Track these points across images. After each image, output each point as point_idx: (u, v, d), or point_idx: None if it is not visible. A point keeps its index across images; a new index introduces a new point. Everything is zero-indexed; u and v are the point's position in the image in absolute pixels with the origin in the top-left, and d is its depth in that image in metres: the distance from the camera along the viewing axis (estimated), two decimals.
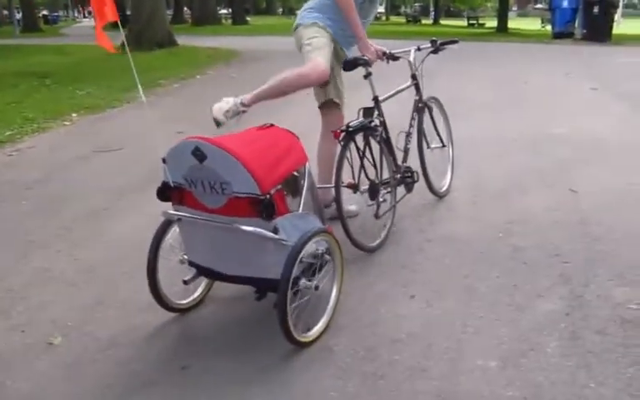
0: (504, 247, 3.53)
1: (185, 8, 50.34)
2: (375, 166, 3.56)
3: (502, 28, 29.64)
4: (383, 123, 3.67)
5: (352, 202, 3.86)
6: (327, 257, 2.70)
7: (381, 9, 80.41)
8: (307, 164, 2.78)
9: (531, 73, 11.06)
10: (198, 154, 2.43)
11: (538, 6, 71.94)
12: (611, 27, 20.73)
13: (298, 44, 3.76)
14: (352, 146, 3.40)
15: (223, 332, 2.72)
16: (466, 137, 6.18)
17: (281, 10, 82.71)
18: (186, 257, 2.77)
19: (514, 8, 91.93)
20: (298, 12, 3.87)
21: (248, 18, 46.32)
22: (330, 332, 2.66)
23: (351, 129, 3.34)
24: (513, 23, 32.34)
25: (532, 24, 41.69)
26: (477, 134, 6.31)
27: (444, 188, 4.43)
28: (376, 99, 3.66)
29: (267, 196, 2.40)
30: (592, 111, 7.68)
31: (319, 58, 3.57)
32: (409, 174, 3.90)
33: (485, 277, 3.15)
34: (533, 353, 2.45)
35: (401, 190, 3.86)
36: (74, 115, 7.88)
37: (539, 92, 9.12)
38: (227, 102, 3.75)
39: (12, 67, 13.65)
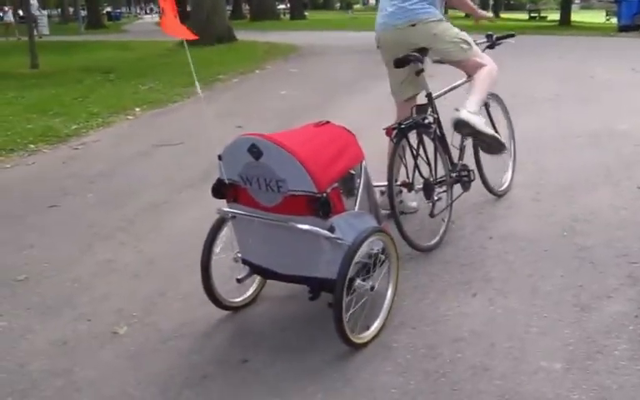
0: (569, 245, 3.43)
1: (244, 3, 50.90)
2: (429, 164, 3.49)
3: (565, 21, 28.86)
4: (437, 120, 3.60)
5: (412, 199, 3.81)
6: (382, 256, 2.64)
7: None
8: (363, 162, 2.74)
9: (596, 67, 10.71)
10: (254, 151, 2.42)
11: None
12: None
13: (428, 40, 3.57)
14: (406, 144, 3.35)
15: (280, 329, 2.74)
16: (529, 132, 6.04)
17: (338, 5, 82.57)
18: (239, 255, 2.75)
19: (577, 1, 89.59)
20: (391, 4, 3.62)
21: (306, 13, 46.47)
22: (389, 329, 2.63)
23: (403, 126, 3.29)
24: (577, 16, 31.47)
25: (597, 17, 40.40)
26: (541, 129, 6.15)
27: (504, 186, 4.31)
28: (429, 96, 3.61)
29: (324, 194, 2.37)
30: None
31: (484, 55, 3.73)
32: (466, 172, 3.78)
33: (549, 275, 3.07)
34: (600, 356, 2.37)
35: (457, 188, 3.76)
36: (137, 109, 8.05)
37: (605, 86, 8.81)
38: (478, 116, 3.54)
39: (77, 63, 14.07)
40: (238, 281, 2.79)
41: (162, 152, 5.93)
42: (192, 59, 2.91)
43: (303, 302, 2.67)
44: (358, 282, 2.50)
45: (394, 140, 3.31)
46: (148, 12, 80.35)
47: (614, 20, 25.55)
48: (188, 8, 23.18)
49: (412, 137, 3.39)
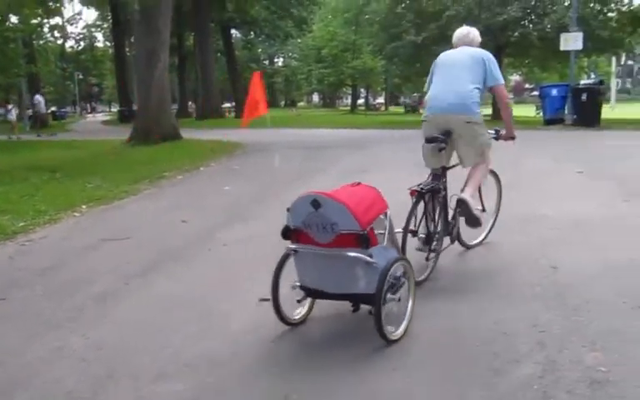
0: (487, 319, 3.80)
1: (190, 102, 51.82)
2: (433, 220, 4.60)
3: (498, 116, 30.29)
4: (445, 187, 4.77)
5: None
6: (403, 278, 3.63)
7: (380, 99, 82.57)
8: (387, 211, 3.75)
9: (523, 158, 11.47)
10: (315, 204, 3.45)
11: (534, 93, 73.65)
12: (599, 113, 21.40)
13: (465, 130, 4.82)
14: (421, 203, 4.48)
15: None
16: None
17: (283, 102, 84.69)
18: (297, 283, 3.75)
19: (511, 96, 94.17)
20: (458, 95, 4.80)
21: None
22: None
23: (423, 190, 4.45)
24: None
25: (528, 111, 42.70)
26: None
27: (476, 241, 5.44)
28: (444, 168, 4.81)
29: (365, 231, 3.39)
30: (576, 193, 8.03)
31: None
32: (455, 229, 5.01)
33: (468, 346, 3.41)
34: None
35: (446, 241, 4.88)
36: (84, 206, 8.23)
37: (530, 175, 9.49)
38: (472, 199, 4.85)
39: (23, 162, 14.16)
40: (298, 302, 3.80)
41: (109, 246, 6.13)
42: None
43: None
44: (389, 295, 3.47)
45: (414, 199, 4.43)
46: (91, 111, 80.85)
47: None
48: (135, 107, 23.59)
49: (427, 197, 4.55)
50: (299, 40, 57.48)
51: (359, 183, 3.79)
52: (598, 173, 9.56)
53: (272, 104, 79.65)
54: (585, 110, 20.67)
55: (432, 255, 4.62)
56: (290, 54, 76.34)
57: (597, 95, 21.26)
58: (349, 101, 71.87)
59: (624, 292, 4.14)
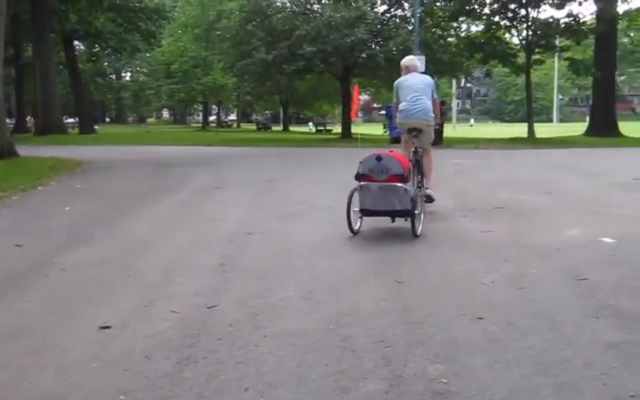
0: (334, 337, 3.81)
1: (29, 117, 48.77)
2: (416, 175, 7.68)
3: (347, 134, 31.35)
4: (420, 158, 7.93)
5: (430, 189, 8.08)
6: (419, 201, 6.69)
7: (232, 116, 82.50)
8: (410, 165, 6.84)
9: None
10: (378, 158, 6.42)
11: (382, 112, 77.07)
12: (441, 132, 22.66)
13: (427, 129, 7.92)
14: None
15: None
16: (305, 237, 6.58)
17: (131, 118, 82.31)
18: (356, 208, 6.48)
19: (360, 115, 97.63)
20: (413, 103, 7.81)
21: (97, 127, 45.58)
22: None
23: (414, 159, 7.61)
24: (360, 129, 34.41)
25: (377, 129, 44.58)
26: (316, 234, 6.72)
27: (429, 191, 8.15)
28: (416, 148, 7.82)
29: (405, 173, 6.40)
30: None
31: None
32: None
33: (315, 366, 3.38)
34: None
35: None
36: None
37: None
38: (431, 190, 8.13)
39: None
40: (360, 218, 6.65)
41: None
42: None
43: None
44: (415, 211, 6.34)
45: (412, 165, 7.27)
46: None
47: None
48: None
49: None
50: (148, 54, 56.02)
51: (392, 151, 6.79)
52: (442, 189, 10.05)
53: (119, 120, 77.57)
54: None
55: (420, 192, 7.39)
56: (138, 68, 74.36)
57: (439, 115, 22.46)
58: (201, 117, 71.19)
59: (464, 304, 4.34)
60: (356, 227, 6.53)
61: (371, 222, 6.84)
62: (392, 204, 6.37)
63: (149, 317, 4.22)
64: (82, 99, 43.39)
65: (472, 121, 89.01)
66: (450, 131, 28.57)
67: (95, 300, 4.61)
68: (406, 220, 6.42)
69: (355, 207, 6.43)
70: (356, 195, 6.48)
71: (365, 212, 6.52)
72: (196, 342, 3.74)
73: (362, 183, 6.41)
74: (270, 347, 3.67)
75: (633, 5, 31.76)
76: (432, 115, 7.83)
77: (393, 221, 6.66)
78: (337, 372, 3.31)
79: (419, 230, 6.40)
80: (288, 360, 3.48)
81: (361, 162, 6.46)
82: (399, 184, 6.31)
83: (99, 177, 13.87)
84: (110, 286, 5.03)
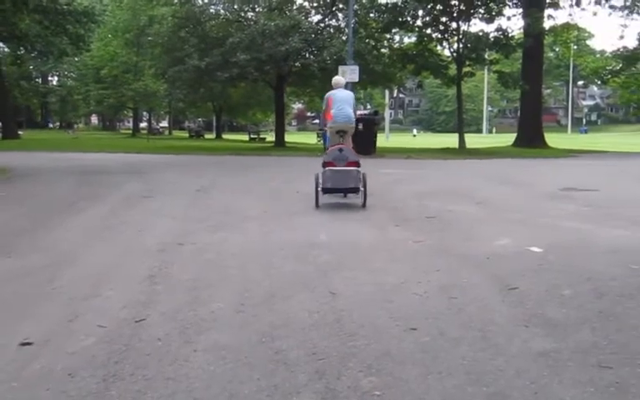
0: (266, 350, 3.72)
1: None
2: None
3: (280, 143, 31.31)
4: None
5: None
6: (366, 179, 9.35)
7: (164, 123, 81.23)
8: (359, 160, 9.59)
9: (300, 185, 11.84)
10: (340, 150, 9.27)
11: (316, 121, 77.47)
12: (374, 142, 22.93)
13: (350, 130, 9.98)
14: None
15: None
16: (237, 247, 6.48)
17: (58, 124, 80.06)
18: (321, 187, 9.11)
19: (294, 123, 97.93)
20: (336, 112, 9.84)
21: (21, 132, 43.98)
22: None
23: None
24: (294, 137, 34.55)
25: (311, 138, 44.74)
26: (248, 245, 6.62)
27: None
28: (341, 146, 9.69)
29: (359, 160, 9.31)
30: (352, 219, 8.44)
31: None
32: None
33: (247, 380, 3.30)
34: None
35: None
36: None
37: (309, 201, 9.74)
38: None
39: None
40: (323, 194, 9.25)
41: None
42: None
43: None
44: (363, 188, 9.19)
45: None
46: None
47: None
48: None
49: None
50: (76, 58, 54.46)
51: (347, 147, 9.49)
52: (371, 199, 10.12)
53: (44, 125, 75.10)
54: (362, 139, 22.00)
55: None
56: (66, 73, 72.26)
57: (372, 125, 22.75)
58: (131, 124, 69.76)
59: (397, 315, 4.34)
60: (320, 202, 9.17)
61: (304, 233, 6.78)
62: (348, 183, 9.07)
63: (73, 332, 4.03)
64: (5, 103, 41.83)
65: (414, 131, 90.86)
66: (383, 141, 28.91)
67: (15, 315, 4.38)
68: (357, 195, 9.19)
69: (320, 187, 9.07)
70: (319, 177, 9.10)
71: (326, 190, 9.13)
72: (123, 358, 3.59)
73: (326, 169, 9.07)
74: (201, 361, 3.56)
75: (559, 21, 33.20)
76: (354, 120, 10.04)
77: (345, 196, 9.67)
78: (270, 386, 3.24)
79: (365, 202, 9.16)
80: (219, 375, 3.38)
81: (326, 153, 9.46)
82: (355, 168, 9.07)
83: (23, 185, 13.35)
84: (32, 299, 4.79)
